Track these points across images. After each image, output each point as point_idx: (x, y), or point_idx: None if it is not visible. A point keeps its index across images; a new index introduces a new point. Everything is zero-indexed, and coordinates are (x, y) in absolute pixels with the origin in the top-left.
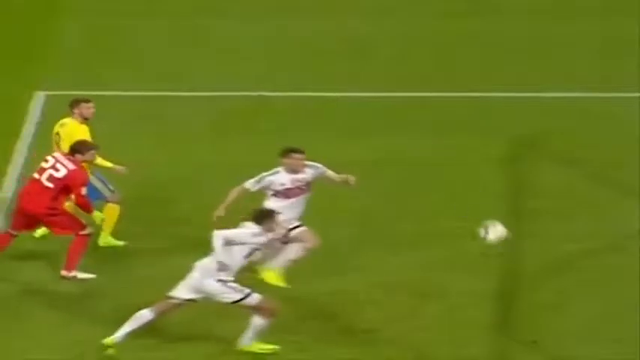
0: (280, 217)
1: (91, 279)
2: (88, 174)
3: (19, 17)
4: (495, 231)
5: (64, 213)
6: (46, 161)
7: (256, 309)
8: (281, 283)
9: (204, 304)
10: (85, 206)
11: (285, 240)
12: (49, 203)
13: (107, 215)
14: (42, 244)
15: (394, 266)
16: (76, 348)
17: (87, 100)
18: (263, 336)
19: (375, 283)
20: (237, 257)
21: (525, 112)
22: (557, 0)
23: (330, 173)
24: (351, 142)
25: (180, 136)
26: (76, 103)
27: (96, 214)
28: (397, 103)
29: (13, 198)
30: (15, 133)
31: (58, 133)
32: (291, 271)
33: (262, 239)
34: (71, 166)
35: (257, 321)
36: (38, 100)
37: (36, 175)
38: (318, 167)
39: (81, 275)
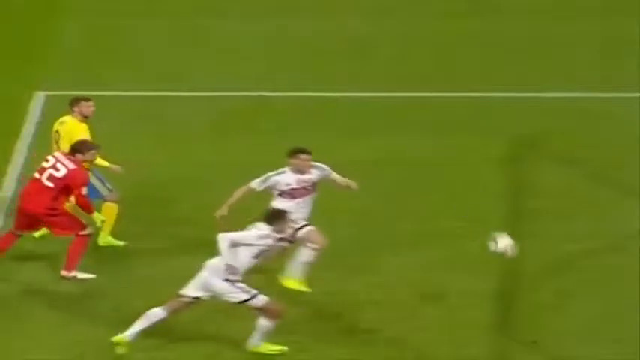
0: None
1: (91, 279)
2: (89, 174)
3: (19, 17)
4: (503, 240)
5: (65, 213)
6: (47, 161)
7: (262, 310)
8: (303, 288)
9: (209, 304)
10: (85, 206)
11: (292, 240)
12: (50, 203)
13: (105, 214)
14: (42, 244)
15: (394, 266)
16: (76, 348)
17: (87, 99)
18: (269, 337)
19: (375, 283)
20: (244, 259)
21: (525, 112)
22: (557, 0)
23: (335, 176)
24: (351, 142)
25: (180, 136)
26: (76, 101)
27: (96, 215)
28: (397, 103)
29: (13, 198)
30: (15, 133)
31: (57, 131)
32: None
33: (269, 241)
34: (71, 166)
35: (263, 322)
36: (38, 100)
37: (37, 175)
38: (324, 169)
39: (81, 275)
